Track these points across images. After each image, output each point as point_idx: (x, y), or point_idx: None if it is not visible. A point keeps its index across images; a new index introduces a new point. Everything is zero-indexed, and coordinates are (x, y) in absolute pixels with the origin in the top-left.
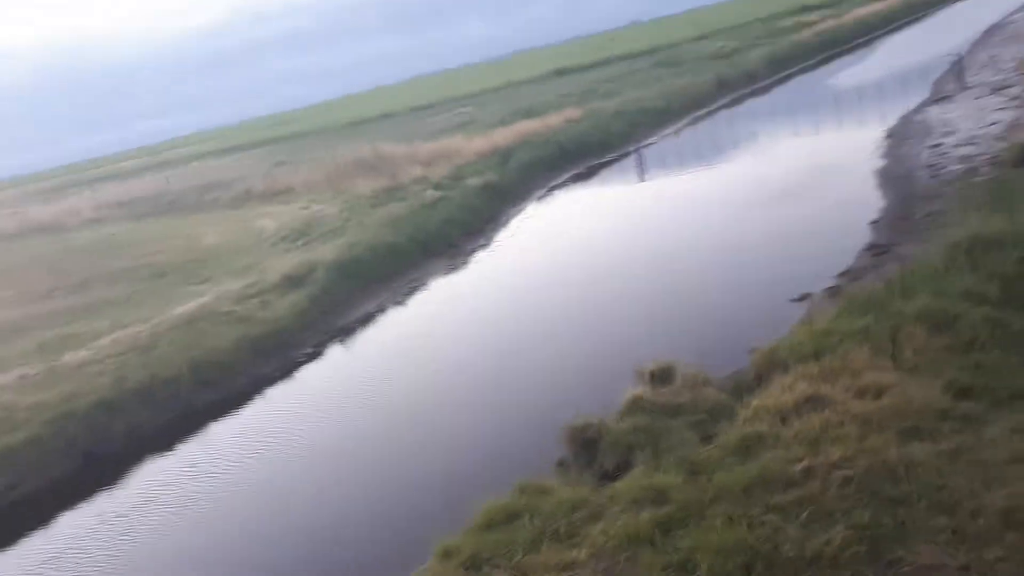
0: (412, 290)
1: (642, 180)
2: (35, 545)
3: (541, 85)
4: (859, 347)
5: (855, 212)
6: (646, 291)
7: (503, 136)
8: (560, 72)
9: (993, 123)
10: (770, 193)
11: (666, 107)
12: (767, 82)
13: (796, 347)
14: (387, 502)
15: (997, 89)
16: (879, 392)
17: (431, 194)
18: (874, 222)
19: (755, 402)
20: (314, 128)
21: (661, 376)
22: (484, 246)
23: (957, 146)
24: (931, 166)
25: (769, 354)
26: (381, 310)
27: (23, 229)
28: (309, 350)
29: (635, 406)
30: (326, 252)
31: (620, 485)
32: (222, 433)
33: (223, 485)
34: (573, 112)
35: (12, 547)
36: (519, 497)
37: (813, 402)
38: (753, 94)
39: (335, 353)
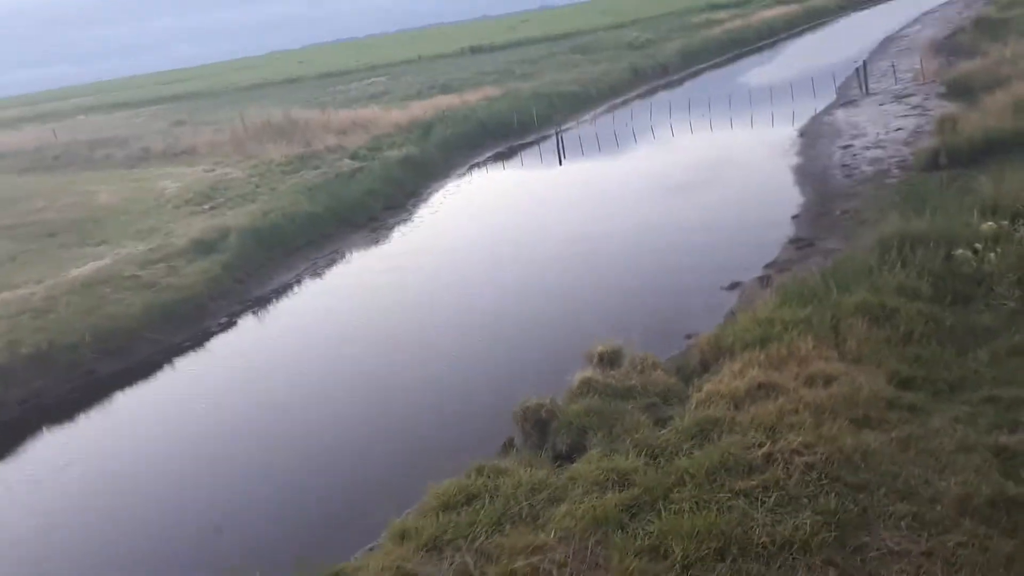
0: (332, 262)
1: (563, 163)
2: None
3: (456, 61)
4: (803, 336)
5: (776, 206)
6: (577, 274)
7: (422, 109)
8: (475, 50)
9: (898, 128)
10: (691, 184)
11: (584, 92)
12: (680, 75)
13: (741, 334)
14: (326, 482)
15: (899, 97)
16: (827, 380)
17: (348, 164)
18: (795, 216)
19: (707, 387)
20: (211, 89)
21: (610, 358)
22: (406, 220)
23: (867, 148)
24: (844, 166)
25: (714, 340)
26: (299, 281)
27: None
28: (223, 320)
29: (586, 388)
30: (238, 218)
31: (579, 467)
32: (126, 405)
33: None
34: (491, 90)
35: None
36: (475, 478)
37: (765, 389)
38: (667, 86)
39: (250, 324)
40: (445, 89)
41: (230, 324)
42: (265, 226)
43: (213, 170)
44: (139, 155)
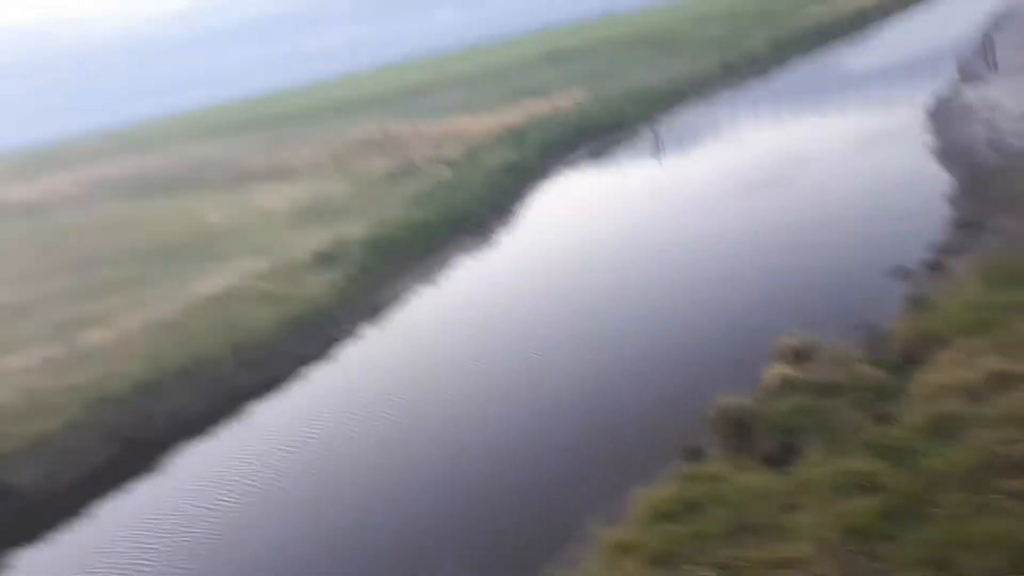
0: (448, 268)
1: (666, 159)
2: (77, 540)
3: (533, 68)
4: None
5: (925, 187)
6: (725, 268)
7: (512, 116)
8: (551, 56)
9: None
10: (820, 173)
11: (673, 89)
12: (774, 66)
13: (950, 321)
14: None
15: None
16: None
17: (447, 172)
18: (950, 197)
19: (929, 379)
20: (296, 111)
21: (802, 353)
22: (514, 223)
23: (1011, 123)
24: (991, 142)
25: (917, 328)
26: (420, 288)
27: (2, 210)
28: (350, 329)
29: (785, 385)
30: (353, 229)
31: (808, 472)
32: (269, 418)
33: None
34: (580, 92)
35: (50, 542)
36: (687, 486)
37: (1004, 379)
38: (760, 77)
39: (379, 333)
40: (533, 94)
41: (357, 334)
42: (382, 235)
43: (314, 187)
44: (240, 175)
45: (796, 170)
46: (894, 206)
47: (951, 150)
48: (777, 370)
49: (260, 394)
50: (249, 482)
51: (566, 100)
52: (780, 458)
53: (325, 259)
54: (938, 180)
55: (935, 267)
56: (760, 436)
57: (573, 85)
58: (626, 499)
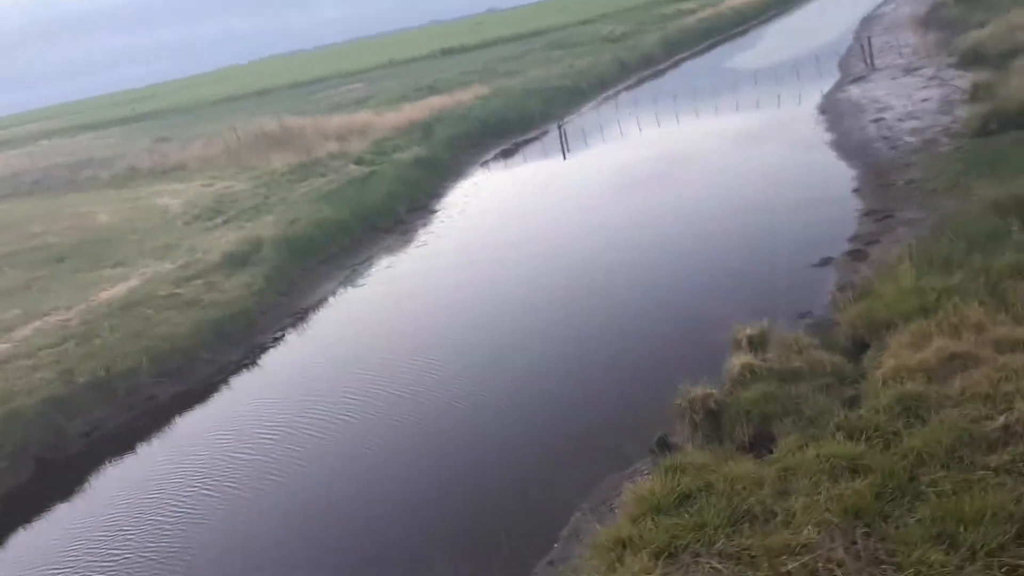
0: (370, 267)
1: (568, 156)
2: None
3: (430, 63)
4: (966, 303)
5: (828, 182)
6: (652, 263)
7: (416, 111)
8: (446, 51)
9: (924, 99)
10: (725, 168)
11: (575, 86)
12: (665, 65)
13: (894, 306)
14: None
15: (909, 70)
16: (1015, 345)
17: (355, 169)
18: (856, 190)
19: (886, 363)
20: (180, 105)
21: (758, 342)
22: (433, 221)
23: (900, 120)
24: (884, 138)
25: (862, 314)
26: (342, 289)
27: None
28: (278, 334)
29: (747, 373)
30: (263, 229)
31: (793, 457)
32: (193, 431)
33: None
34: (481, 89)
35: None
36: (675, 477)
37: (957, 359)
38: (655, 76)
39: (303, 337)
40: (433, 90)
41: (282, 339)
42: (296, 236)
43: (212, 184)
44: (126, 174)
45: (702, 167)
46: (804, 198)
47: (848, 145)
48: (738, 359)
49: (183, 405)
50: (178, 503)
51: (468, 96)
52: (754, 445)
53: (237, 261)
54: (841, 174)
55: (857, 256)
56: (731, 425)
57: (472, 82)
58: (604, 495)
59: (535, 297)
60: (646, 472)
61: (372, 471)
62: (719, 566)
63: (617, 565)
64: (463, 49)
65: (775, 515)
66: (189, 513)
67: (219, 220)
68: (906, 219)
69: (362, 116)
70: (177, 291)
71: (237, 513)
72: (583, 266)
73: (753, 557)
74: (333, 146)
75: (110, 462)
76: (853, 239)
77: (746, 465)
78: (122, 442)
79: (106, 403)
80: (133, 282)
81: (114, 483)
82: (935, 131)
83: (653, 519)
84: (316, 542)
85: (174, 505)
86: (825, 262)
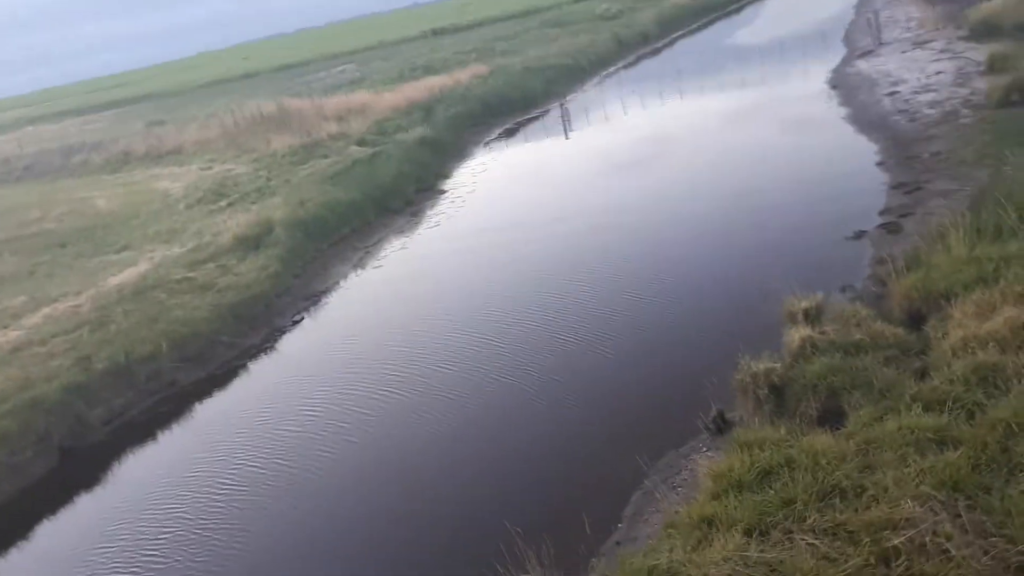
0: (383, 249)
1: (570, 135)
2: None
3: (422, 44)
4: None
5: (850, 156)
6: (679, 241)
7: (415, 91)
8: (437, 31)
9: (939, 72)
10: (745, 140)
11: (575, 64)
12: (662, 42)
13: (952, 276)
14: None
15: (918, 44)
16: None
17: (357, 150)
18: (880, 164)
19: (954, 333)
20: (165, 90)
21: (814, 314)
22: (443, 202)
23: (916, 93)
24: (902, 111)
25: (919, 284)
26: (357, 271)
27: None
28: (296, 317)
29: (808, 347)
30: (272, 212)
31: (872, 431)
32: (216, 417)
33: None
34: (479, 68)
35: None
36: (752, 452)
37: None
38: (653, 53)
39: (322, 319)
40: (429, 70)
41: (300, 322)
42: (308, 217)
43: (211, 167)
44: (120, 158)
45: (715, 144)
46: (828, 172)
47: (865, 119)
48: (796, 332)
49: (205, 390)
50: (207, 491)
51: (466, 75)
52: (822, 420)
53: (249, 243)
54: (862, 148)
55: (892, 229)
56: (796, 399)
57: (469, 61)
58: (663, 473)
59: (562, 275)
60: (704, 449)
61: (405, 457)
62: (815, 542)
63: (704, 544)
64: (455, 29)
65: (865, 489)
66: (228, 500)
67: (223, 203)
68: (938, 190)
69: (360, 96)
70: (190, 275)
71: (294, 497)
72: (606, 244)
73: (851, 532)
74: (333, 127)
75: (134, 450)
76: (885, 212)
77: (824, 439)
78: (146, 429)
79: (127, 390)
80: (142, 267)
81: (140, 472)
82: (954, 103)
83: (736, 496)
84: (359, 522)
85: (206, 495)
86: (859, 235)
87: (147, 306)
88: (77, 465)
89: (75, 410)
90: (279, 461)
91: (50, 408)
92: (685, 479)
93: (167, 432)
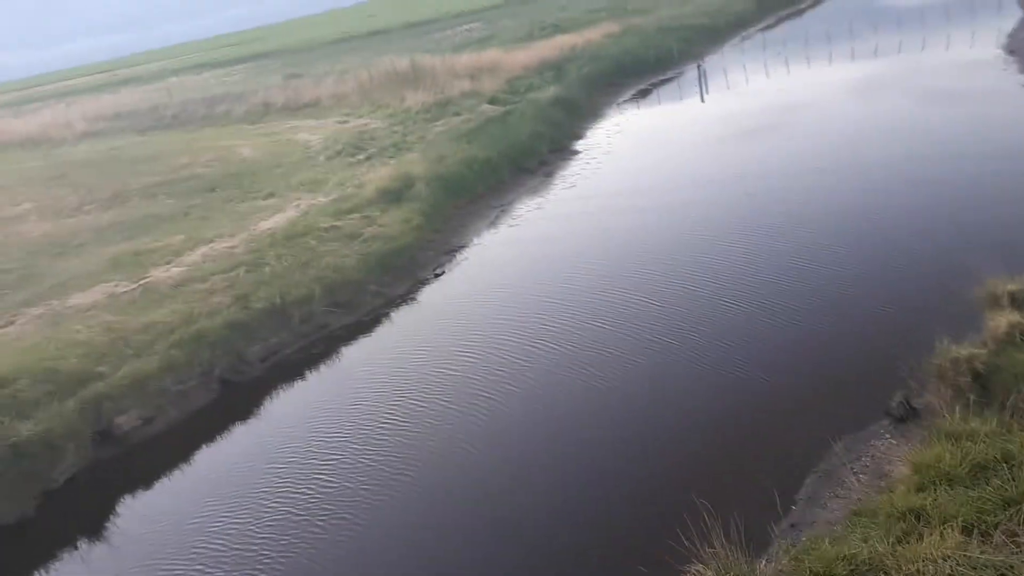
0: (518, 208)
1: (725, 95)
2: (178, 487)
3: (549, 2)
4: None
5: None
6: (865, 204)
7: (546, 49)
8: None
9: None
10: (912, 108)
11: (712, 24)
12: (806, 4)
13: None
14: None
15: None
16: None
17: (489, 108)
18: None
19: None
20: (294, 46)
21: (1021, 299)
22: (575, 162)
23: None
24: None
25: None
26: (493, 229)
27: (6, 142)
28: (437, 270)
29: (1017, 334)
30: (411, 166)
31: None
32: (362, 361)
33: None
34: (610, 27)
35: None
36: (957, 443)
37: None
38: (797, 14)
39: (463, 274)
40: (558, 29)
41: (442, 275)
42: (447, 174)
43: (347, 121)
44: (260, 110)
45: (880, 111)
46: (1015, 145)
47: None
48: (1003, 317)
49: (352, 336)
50: (373, 423)
51: (597, 34)
52: None
53: (391, 196)
54: None
55: None
56: (1002, 389)
57: (600, 20)
58: (840, 458)
59: (720, 241)
60: (887, 435)
61: (577, 415)
62: None
63: (910, 538)
64: None
65: None
66: (386, 440)
67: (361, 156)
68: None
69: (490, 54)
70: (336, 224)
71: (443, 449)
72: (766, 211)
73: None
74: (465, 84)
75: (290, 387)
76: None
77: None
78: (300, 368)
79: (282, 330)
80: (290, 213)
81: (296, 407)
82: None
83: (947, 490)
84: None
85: (371, 426)
86: None
87: (298, 251)
88: (236, 397)
89: (235, 346)
90: (444, 402)
91: (214, 342)
92: (866, 465)
93: (319, 372)
